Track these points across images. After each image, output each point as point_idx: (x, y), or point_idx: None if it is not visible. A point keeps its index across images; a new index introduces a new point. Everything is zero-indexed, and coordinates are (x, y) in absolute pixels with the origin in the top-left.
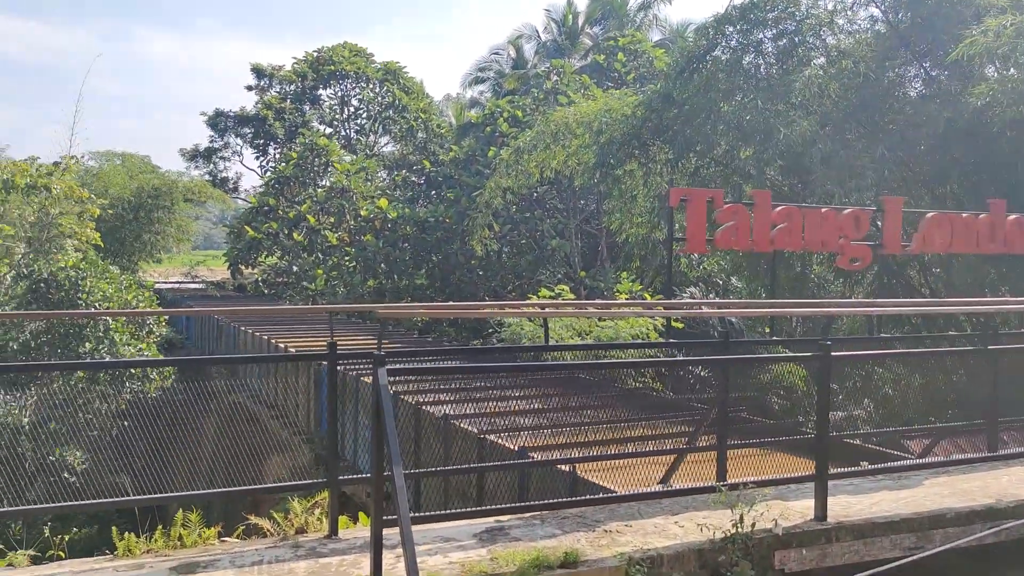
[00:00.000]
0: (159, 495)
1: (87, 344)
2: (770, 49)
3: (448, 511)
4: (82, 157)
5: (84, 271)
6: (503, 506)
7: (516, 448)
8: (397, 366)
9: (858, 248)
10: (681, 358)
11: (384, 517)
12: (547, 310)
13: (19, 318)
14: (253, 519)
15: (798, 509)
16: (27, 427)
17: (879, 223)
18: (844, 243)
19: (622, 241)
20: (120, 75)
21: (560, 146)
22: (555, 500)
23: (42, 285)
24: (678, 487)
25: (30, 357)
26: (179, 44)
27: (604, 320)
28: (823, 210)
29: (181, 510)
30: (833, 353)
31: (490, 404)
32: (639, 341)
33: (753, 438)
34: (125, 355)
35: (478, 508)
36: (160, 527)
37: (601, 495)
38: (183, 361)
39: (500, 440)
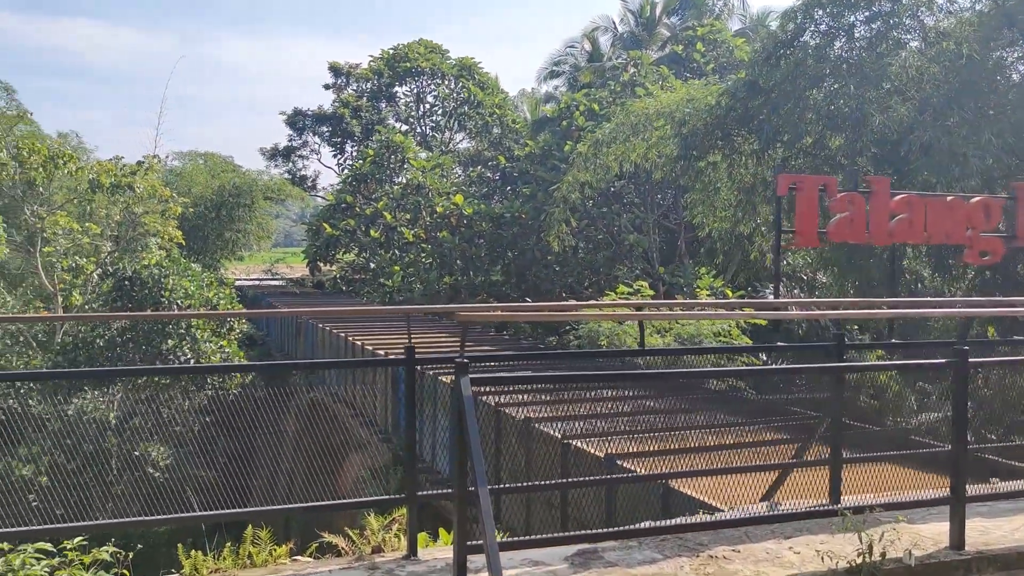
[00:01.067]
0: (229, 511)
1: (169, 341)
2: (862, 32)
3: (540, 536)
4: (166, 157)
5: (166, 269)
6: (600, 531)
7: (604, 456)
8: (482, 374)
9: (989, 241)
10: (804, 366)
11: (468, 542)
12: (643, 311)
13: (104, 319)
14: (328, 536)
15: (928, 534)
16: (113, 423)
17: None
18: (973, 235)
19: (704, 236)
20: (202, 77)
21: (640, 138)
22: (659, 524)
23: (126, 283)
24: (791, 509)
25: (115, 353)
26: (258, 45)
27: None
28: (948, 199)
29: (251, 526)
30: (972, 359)
31: (575, 407)
32: (742, 344)
33: (868, 449)
34: (206, 351)
35: (572, 533)
36: (229, 544)
37: (702, 514)
38: (263, 366)
39: (586, 446)
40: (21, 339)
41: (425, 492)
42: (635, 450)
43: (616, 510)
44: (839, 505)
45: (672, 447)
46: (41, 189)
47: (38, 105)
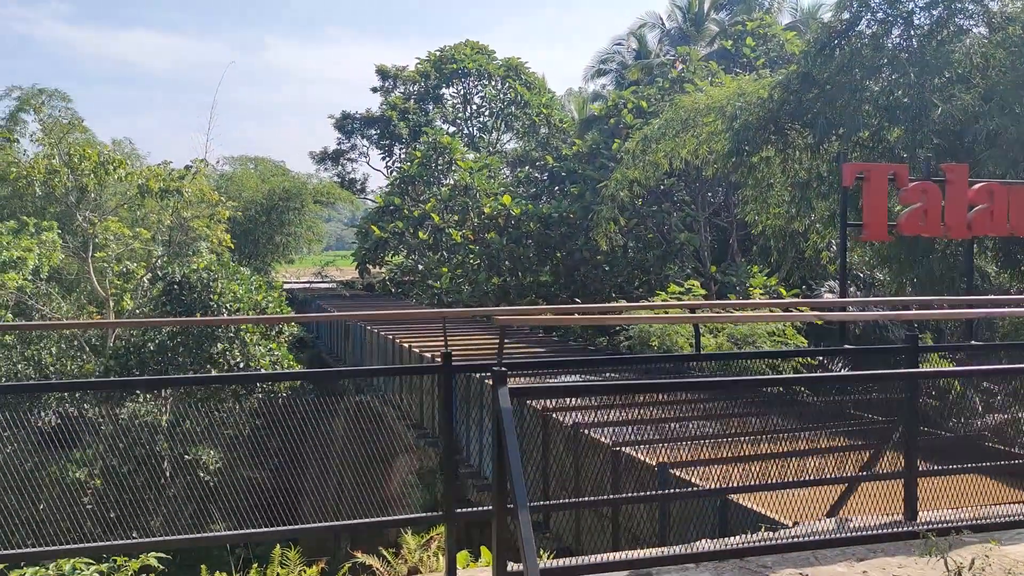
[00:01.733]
0: (265, 530)
1: (219, 345)
2: (922, 19)
3: (585, 563)
4: (217, 163)
5: (215, 272)
6: (654, 556)
7: (656, 464)
8: (522, 385)
9: None
10: (880, 372)
11: (508, 569)
12: (698, 313)
13: (153, 324)
14: (361, 556)
15: (1019, 557)
16: (165, 426)
17: None
18: None
19: (757, 234)
20: (253, 83)
21: (690, 134)
22: (719, 548)
23: (175, 287)
24: (865, 528)
25: (165, 358)
26: (307, 51)
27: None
28: None
29: (279, 546)
30: None
31: (625, 412)
32: (800, 346)
33: (943, 457)
34: (256, 355)
35: (622, 558)
36: (255, 565)
37: (764, 531)
38: (311, 374)
39: (638, 454)
40: (75, 343)
41: (464, 510)
42: (691, 458)
43: (670, 522)
44: (918, 524)
45: (730, 455)
46: (93, 195)
47: (95, 113)
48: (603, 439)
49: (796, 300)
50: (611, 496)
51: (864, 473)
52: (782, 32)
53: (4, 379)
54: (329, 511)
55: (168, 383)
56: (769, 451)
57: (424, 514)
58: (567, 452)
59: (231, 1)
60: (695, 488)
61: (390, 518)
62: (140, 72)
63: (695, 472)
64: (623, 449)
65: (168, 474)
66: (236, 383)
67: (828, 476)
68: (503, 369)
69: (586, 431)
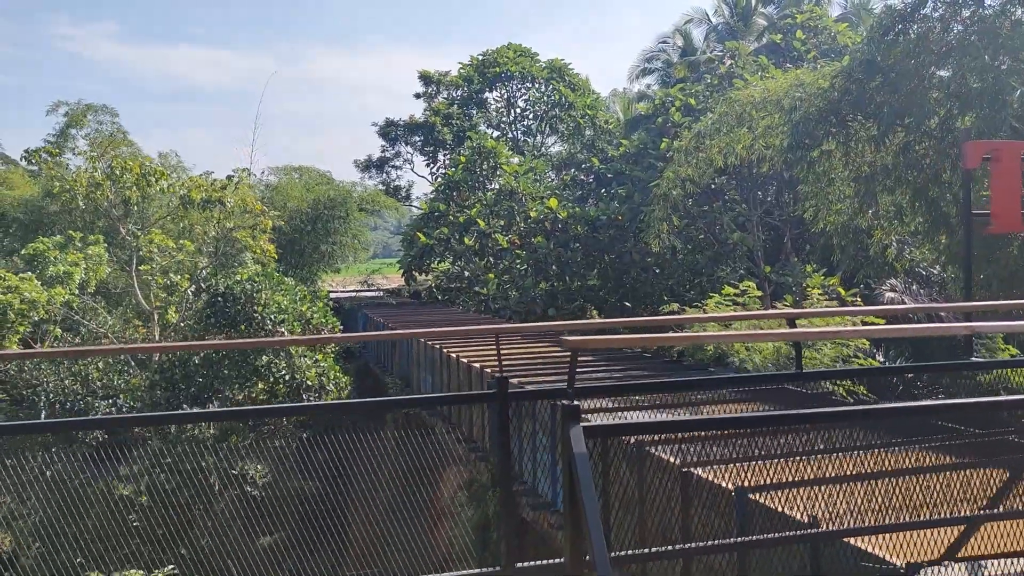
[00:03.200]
0: None
1: (264, 357)
2: None
3: None
4: (262, 173)
5: (259, 283)
6: None
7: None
8: (600, 422)
9: None
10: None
11: None
12: (804, 326)
13: (197, 348)
14: None
15: None
16: (210, 441)
17: None
18: None
19: (817, 231)
20: (298, 95)
21: (745, 128)
22: None
23: (219, 299)
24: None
25: (211, 371)
26: (351, 60)
27: (799, 322)
28: None
29: None
30: None
31: (741, 445)
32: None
33: None
34: (301, 367)
35: None
36: None
37: None
38: (357, 405)
39: (770, 501)
40: (122, 358)
41: (529, 564)
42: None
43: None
44: None
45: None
46: (136, 208)
47: (144, 129)
48: (718, 480)
49: (915, 307)
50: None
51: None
52: (833, 24)
53: (52, 394)
54: (377, 523)
55: (217, 416)
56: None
57: (482, 570)
58: (662, 494)
59: (275, 14)
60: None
61: (448, 574)
62: (188, 87)
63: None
64: (752, 493)
65: (216, 488)
66: (284, 415)
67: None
68: (574, 403)
69: (694, 471)
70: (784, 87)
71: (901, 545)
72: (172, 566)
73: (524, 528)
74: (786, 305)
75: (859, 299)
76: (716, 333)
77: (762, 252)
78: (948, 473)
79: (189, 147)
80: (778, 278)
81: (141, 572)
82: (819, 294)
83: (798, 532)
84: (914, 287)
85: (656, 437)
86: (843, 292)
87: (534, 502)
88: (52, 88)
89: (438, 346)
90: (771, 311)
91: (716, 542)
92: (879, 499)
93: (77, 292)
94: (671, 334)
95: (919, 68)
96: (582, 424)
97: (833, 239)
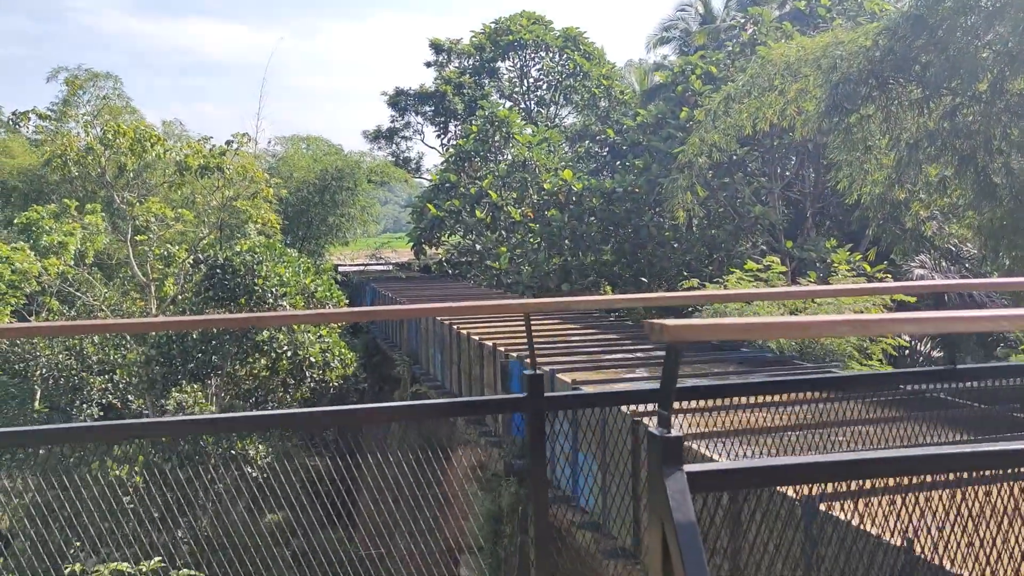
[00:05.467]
0: None
1: (264, 332)
2: None
3: None
4: (269, 143)
5: (260, 255)
6: None
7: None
8: (717, 464)
9: None
10: None
11: None
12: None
13: (195, 327)
14: None
15: None
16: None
17: None
18: None
19: (851, 203)
20: (309, 69)
21: (777, 92)
22: None
23: (218, 271)
24: None
25: (210, 347)
26: (361, 33)
27: (821, 298)
28: None
29: None
30: None
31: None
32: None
33: None
34: (304, 343)
35: None
36: None
37: None
38: (365, 411)
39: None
40: (117, 332)
41: None
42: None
43: None
44: None
45: None
46: (132, 175)
47: (157, 100)
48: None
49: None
50: None
51: None
52: None
53: (46, 369)
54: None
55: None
56: None
57: None
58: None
59: None
60: None
61: None
62: (200, 61)
63: None
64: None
65: (216, 469)
66: (294, 427)
67: None
68: (678, 435)
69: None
70: (821, 45)
71: None
72: (160, 558)
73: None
74: (810, 282)
75: (889, 276)
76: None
77: (782, 226)
78: None
79: (202, 121)
80: (800, 253)
81: (127, 565)
82: (847, 270)
83: None
84: (943, 264)
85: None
86: (869, 268)
87: (551, 495)
88: (67, 61)
89: (447, 322)
90: (799, 288)
91: None
92: None
93: (73, 263)
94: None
95: (970, 26)
96: (686, 469)
97: (868, 212)
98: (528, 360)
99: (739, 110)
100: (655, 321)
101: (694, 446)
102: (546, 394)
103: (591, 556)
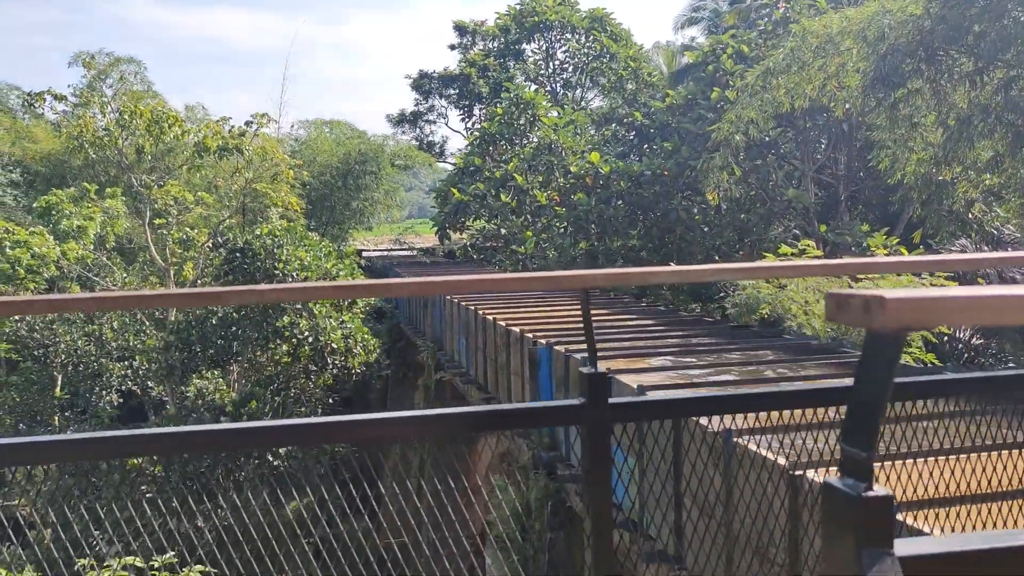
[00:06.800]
0: None
1: (285, 317)
2: None
3: None
4: (292, 127)
5: (280, 238)
6: None
7: None
8: (948, 541)
9: None
10: None
11: None
12: None
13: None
14: None
15: None
16: (228, 407)
17: None
18: None
19: (894, 183)
20: (336, 57)
21: (818, 66)
22: None
23: (237, 255)
24: None
25: (229, 332)
26: (387, 20)
27: (860, 281)
28: None
29: None
30: None
31: None
32: None
33: None
34: (325, 328)
35: None
36: None
37: None
38: (428, 417)
39: None
40: (136, 317)
41: None
42: None
43: None
44: None
45: None
46: (150, 157)
47: (184, 89)
48: None
49: None
50: None
51: None
52: None
53: (65, 355)
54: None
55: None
56: None
57: None
58: None
59: None
60: None
61: None
62: (228, 50)
63: None
64: None
65: (237, 458)
66: (318, 443)
67: None
68: (886, 493)
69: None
70: (867, 15)
71: None
72: (173, 553)
73: (571, 518)
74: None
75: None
76: None
77: (815, 210)
78: None
79: (230, 111)
80: (835, 238)
81: (138, 559)
82: (886, 254)
83: None
84: (985, 248)
85: None
86: (905, 252)
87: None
88: (91, 49)
89: (472, 307)
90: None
91: None
92: None
93: (93, 247)
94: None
95: None
96: (899, 553)
97: (912, 192)
98: (580, 355)
99: (777, 85)
100: (858, 293)
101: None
102: (610, 399)
103: (626, 558)
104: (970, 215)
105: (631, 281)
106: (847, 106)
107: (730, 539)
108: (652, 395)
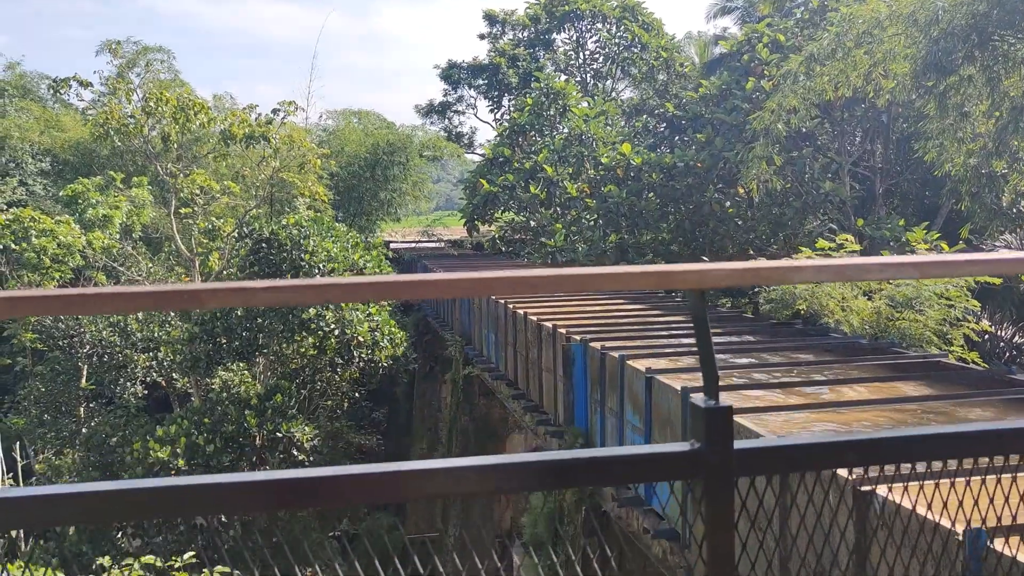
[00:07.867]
0: None
1: (310, 310)
2: None
3: None
4: (320, 117)
5: (307, 229)
6: None
7: None
8: None
9: None
10: None
11: None
12: None
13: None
14: None
15: None
16: (253, 400)
17: None
18: None
19: (942, 175)
20: (362, 49)
21: (863, 51)
22: None
23: (263, 245)
24: None
25: (254, 323)
26: (416, 11)
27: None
28: None
29: None
30: None
31: None
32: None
33: None
34: (352, 320)
35: None
36: None
37: None
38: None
39: None
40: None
41: None
42: None
43: None
44: None
45: None
46: (176, 145)
47: (208, 80)
48: None
49: None
50: None
51: None
52: None
53: (90, 346)
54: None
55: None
56: None
57: None
58: None
59: None
60: None
61: None
62: (258, 42)
63: None
64: None
65: (260, 452)
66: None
67: None
68: None
69: None
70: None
71: None
72: (192, 553)
73: (604, 524)
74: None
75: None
76: None
77: (852, 204)
78: None
79: (257, 101)
80: (872, 232)
81: (156, 558)
82: (927, 249)
83: None
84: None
85: None
86: (946, 247)
87: (620, 495)
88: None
89: (502, 300)
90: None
91: None
92: None
93: (119, 236)
94: None
95: None
96: None
97: (961, 185)
98: (617, 353)
99: (820, 72)
100: None
101: None
102: (736, 443)
103: (666, 567)
104: (1014, 211)
105: (756, 280)
106: (888, 96)
107: None
108: (790, 437)
